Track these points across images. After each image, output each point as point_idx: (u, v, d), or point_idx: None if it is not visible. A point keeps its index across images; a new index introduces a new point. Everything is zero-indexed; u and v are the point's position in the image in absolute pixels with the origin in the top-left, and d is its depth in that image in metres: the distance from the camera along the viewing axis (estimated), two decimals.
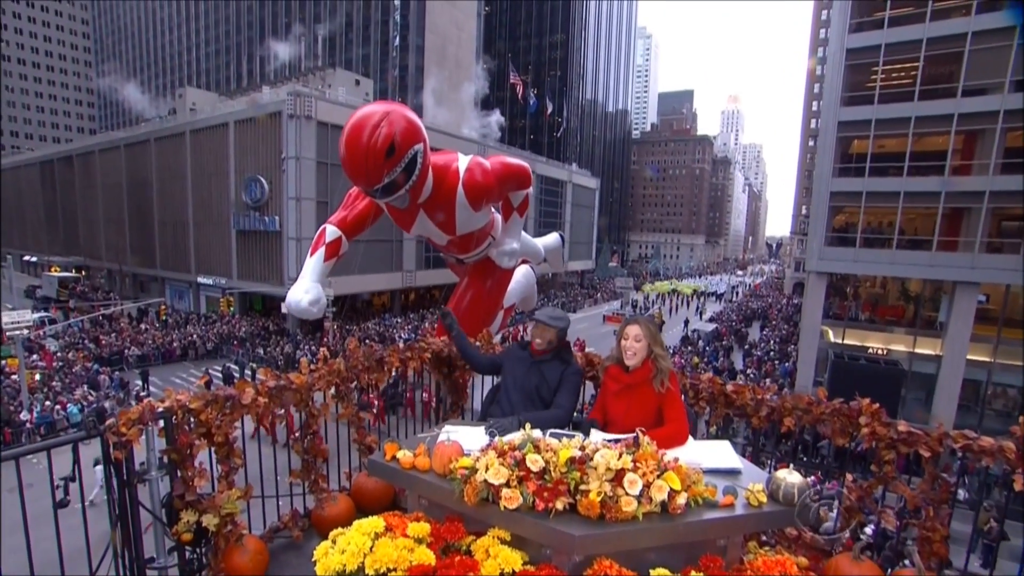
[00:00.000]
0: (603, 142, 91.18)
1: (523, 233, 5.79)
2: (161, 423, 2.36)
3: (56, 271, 43.08)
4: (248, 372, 23.29)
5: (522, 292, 6.76)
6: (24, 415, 16.06)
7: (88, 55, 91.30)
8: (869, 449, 2.80)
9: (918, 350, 19.34)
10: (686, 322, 37.25)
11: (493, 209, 5.30)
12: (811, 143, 56.14)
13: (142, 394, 18.59)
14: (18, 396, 17.52)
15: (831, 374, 17.80)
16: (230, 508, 2.43)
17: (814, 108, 56.28)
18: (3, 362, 20.69)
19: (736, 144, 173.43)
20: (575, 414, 2.88)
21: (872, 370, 17.20)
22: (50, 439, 2.40)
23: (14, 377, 18.86)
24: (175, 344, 26.46)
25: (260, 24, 61.00)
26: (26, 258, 52.41)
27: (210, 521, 2.35)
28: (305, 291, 4.19)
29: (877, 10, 18.80)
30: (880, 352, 20.02)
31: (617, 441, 2.00)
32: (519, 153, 49.37)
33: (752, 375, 23.39)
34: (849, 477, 2.93)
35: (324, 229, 4.50)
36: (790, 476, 1.97)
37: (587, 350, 3.61)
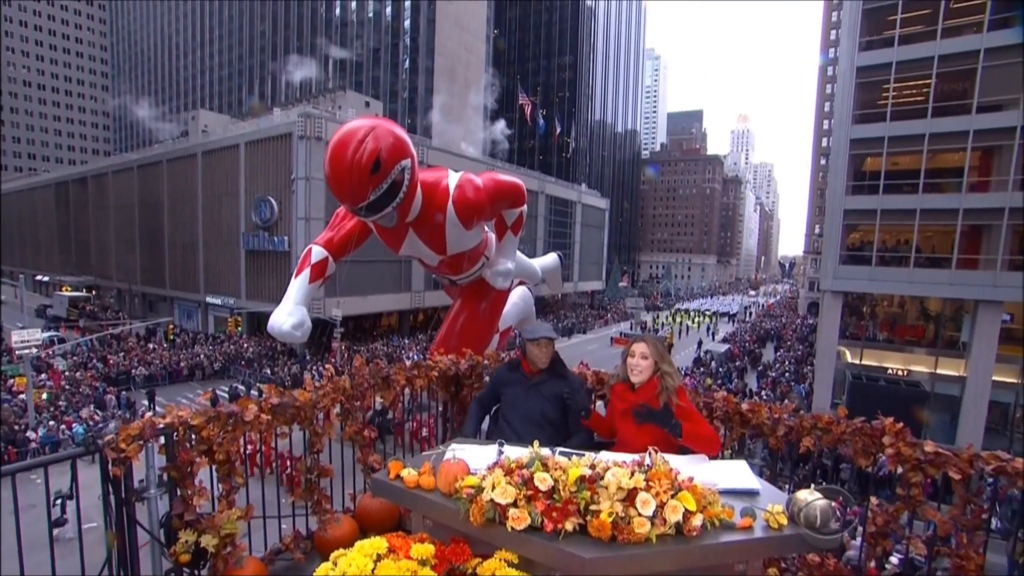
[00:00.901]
0: (613, 162, 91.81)
1: (518, 253, 5.61)
2: (162, 440, 2.32)
3: (67, 291, 43.66)
4: (255, 393, 23.38)
5: (519, 314, 6.53)
6: (30, 434, 16.10)
7: (105, 79, 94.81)
8: (893, 474, 2.68)
9: (940, 371, 18.80)
10: (699, 343, 36.76)
11: (487, 228, 5.12)
12: (823, 161, 55.95)
13: (148, 414, 18.60)
14: (25, 415, 17.60)
15: (849, 395, 17.36)
16: (230, 528, 2.36)
17: (825, 127, 56.31)
18: (11, 381, 20.88)
19: (747, 163, 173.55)
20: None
21: (893, 391, 16.74)
22: (45, 458, 2.35)
23: (22, 396, 18.97)
24: (182, 364, 26.56)
25: (272, 48, 62.87)
26: (38, 277, 53.41)
27: (209, 542, 2.28)
28: (288, 314, 4.02)
29: (887, 29, 18.88)
30: (900, 373, 19.50)
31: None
32: (528, 173, 49.88)
33: (767, 396, 22.89)
34: (874, 501, 2.79)
35: (310, 250, 4.37)
36: (812, 497, 1.87)
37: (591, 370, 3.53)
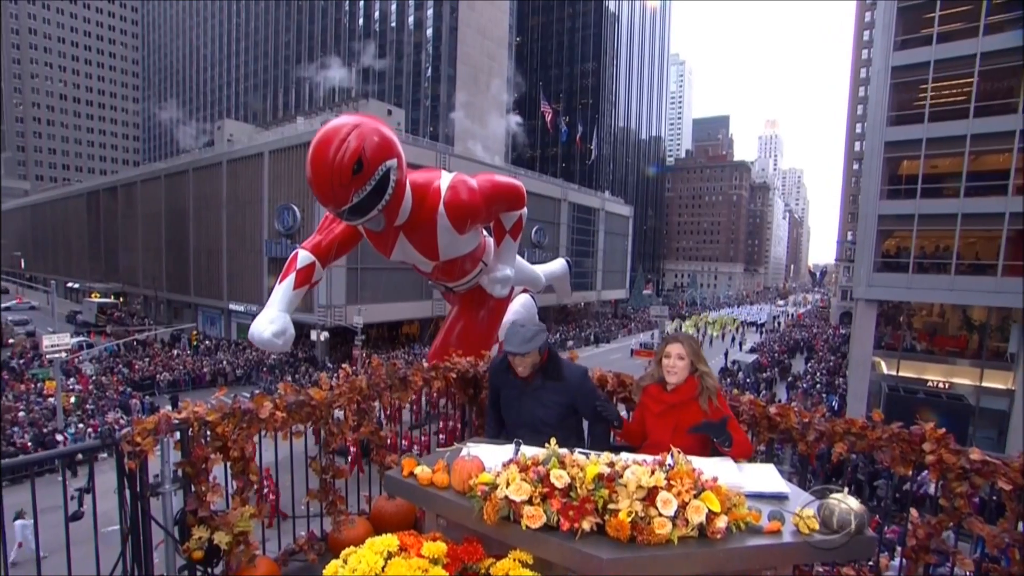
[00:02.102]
0: (637, 169, 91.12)
1: (520, 259, 5.32)
2: (177, 435, 2.33)
3: (96, 297, 44.96)
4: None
5: None
6: (58, 436, 16.54)
7: (136, 92, 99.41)
8: (934, 494, 2.51)
9: (986, 383, 17.87)
10: (726, 353, 35.92)
11: (485, 232, 4.89)
12: (856, 166, 54.35)
13: (163, 411, 18.92)
14: (54, 417, 18.12)
15: (886, 408, 16.65)
16: (243, 526, 2.35)
17: (858, 130, 54.73)
18: (42, 384, 21.65)
19: (775, 170, 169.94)
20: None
21: (933, 404, 16.03)
22: (61, 450, 2.40)
23: (51, 399, 19.50)
24: (205, 370, 27.04)
25: (296, 58, 64.49)
26: (69, 284, 55.15)
27: (222, 539, 2.27)
28: (270, 321, 3.80)
29: (924, 27, 18.25)
30: (941, 385, 18.62)
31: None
32: (551, 180, 49.87)
33: (797, 408, 22.13)
34: (914, 513, 2.62)
35: (296, 254, 4.15)
36: (846, 500, 1.76)
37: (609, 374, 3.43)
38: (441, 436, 4.00)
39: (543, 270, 6.53)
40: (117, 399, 21.48)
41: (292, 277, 4.01)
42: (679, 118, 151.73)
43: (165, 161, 53.88)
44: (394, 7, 56.13)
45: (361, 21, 58.48)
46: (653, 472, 1.66)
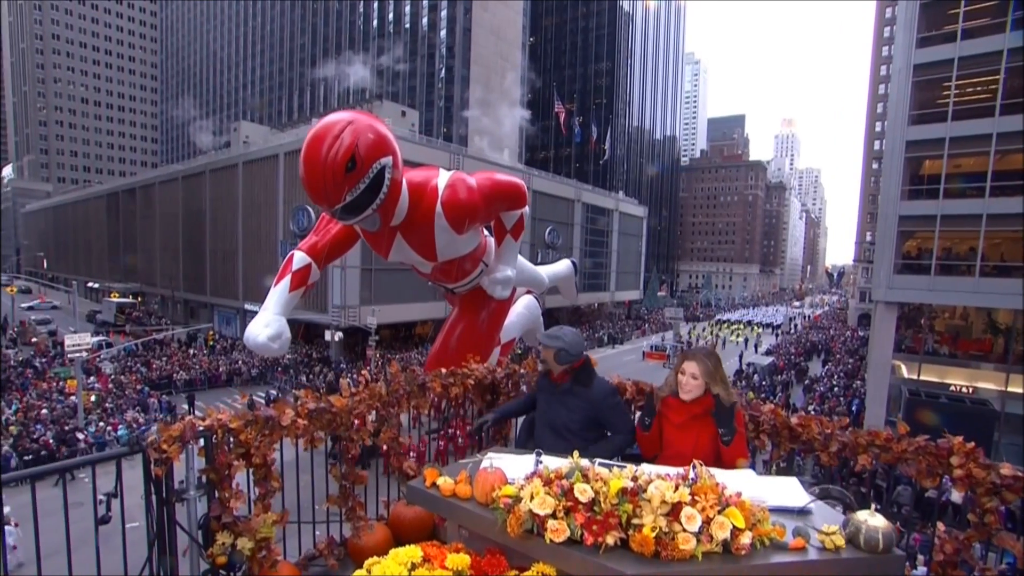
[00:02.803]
0: (658, 167, 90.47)
1: (522, 259, 5.20)
2: (201, 442, 2.37)
3: (115, 297, 45.52)
4: (291, 399, 24.00)
5: (524, 325, 6.00)
6: (79, 435, 16.85)
7: (154, 94, 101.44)
8: (961, 505, 2.46)
9: (1012, 388, 17.42)
10: (740, 356, 35.51)
11: (486, 232, 4.77)
12: (875, 166, 53.34)
13: (188, 418, 19.20)
14: (75, 416, 18.47)
15: (906, 413, 16.28)
16: (266, 532, 2.40)
17: (877, 129, 53.71)
18: (64, 383, 22.13)
19: (792, 169, 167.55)
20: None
21: (956, 409, 15.62)
22: (94, 456, 2.43)
23: (72, 398, 19.86)
24: (221, 369, 27.34)
25: (311, 60, 65.10)
26: (89, 284, 56.16)
27: (244, 545, 2.32)
28: (265, 325, 3.67)
29: (948, 23, 17.84)
30: (965, 390, 18.20)
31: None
32: (564, 181, 49.73)
33: (815, 411, 21.82)
34: (941, 527, 2.57)
35: (292, 256, 4.04)
36: (872, 519, 1.74)
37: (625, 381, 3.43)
38: (460, 440, 4.03)
39: (547, 271, 6.38)
40: (136, 398, 21.90)
41: (288, 279, 3.91)
42: (694, 118, 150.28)
43: (182, 163, 54.71)
44: (408, 8, 56.46)
45: (375, 23, 58.93)
46: (677, 487, 1.66)
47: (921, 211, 18.51)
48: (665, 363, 29.54)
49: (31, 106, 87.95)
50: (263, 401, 22.24)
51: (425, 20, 55.45)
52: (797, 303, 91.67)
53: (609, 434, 2.68)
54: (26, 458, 15.64)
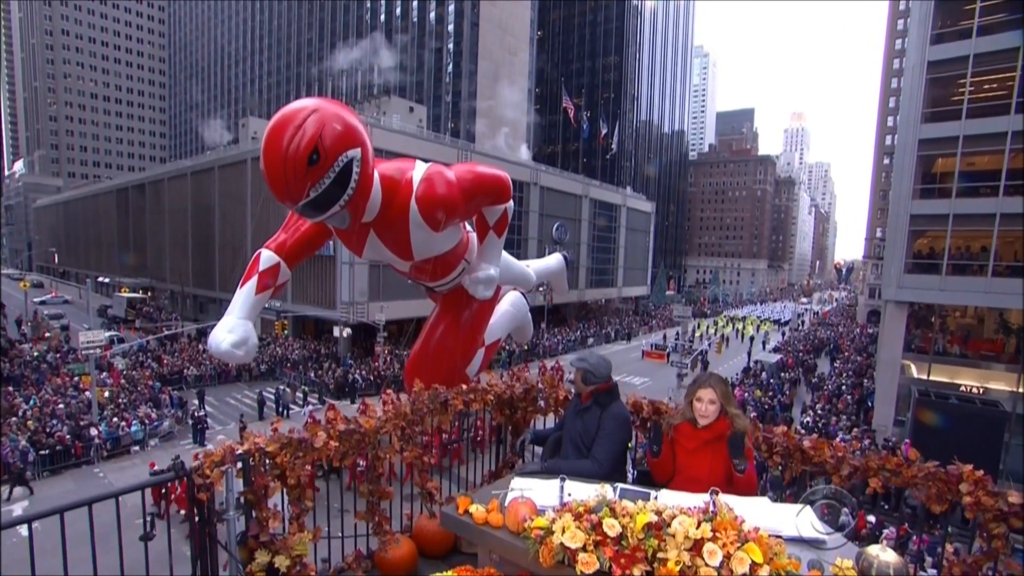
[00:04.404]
0: (659, 164, 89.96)
1: (507, 256, 4.91)
2: (239, 464, 2.48)
3: (125, 292, 45.99)
4: (299, 395, 24.19)
5: (510, 325, 5.64)
6: (93, 431, 17.17)
7: (163, 89, 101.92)
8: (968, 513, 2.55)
9: None
10: (748, 353, 35.42)
11: (468, 227, 4.52)
12: (886, 160, 52.74)
13: (199, 413, 19.38)
14: (89, 412, 18.81)
15: (915, 413, 16.27)
16: (300, 550, 2.53)
17: (889, 123, 53.06)
18: (79, 378, 22.54)
19: (801, 163, 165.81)
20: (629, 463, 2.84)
21: (965, 411, 15.56)
22: (144, 480, 2.54)
23: (87, 394, 20.18)
24: (231, 365, 27.08)
25: (318, 55, 65.03)
26: (99, 279, 56.61)
27: (282, 562, 2.45)
28: (229, 330, 3.37)
29: (964, 19, 17.61)
30: (975, 391, 18.13)
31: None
32: (572, 177, 49.60)
33: (821, 410, 21.81)
34: (950, 548, 2.67)
35: (259, 254, 3.74)
36: (884, 554, 1.84)
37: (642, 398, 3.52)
38: (480, 452, 4.14)
39: (536, 266, 5.92)
40: (147, 393, 22.19)
41: (254, 280, 3.61)
42: (702, 111, 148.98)
43: (191, 158, 54.92)
44: (415, 3, 56.26)
45: (383, 17, 58.78)
46: (699, 524, 1.76)
47: (933, 210, 18.39)
48: (678, 367, 29.30)
49: (42, 102, 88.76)
50: (272, 397, 22.53)
51: (432, 15, 55.25)
52: (805, 299, 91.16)
53: (590, 453, 2.78)
54: (42, 452, 16.03)
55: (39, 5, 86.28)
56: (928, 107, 18.36)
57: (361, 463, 3.13)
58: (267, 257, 3.69)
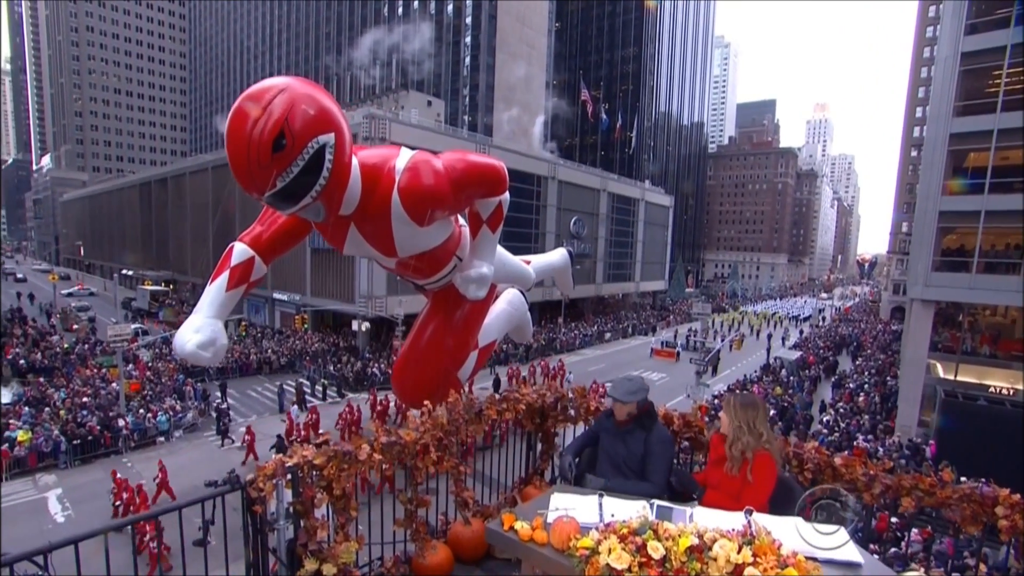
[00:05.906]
0: (677, 157, 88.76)
1: (504, 252, 4.49)
2: (289, 476, 2.60)
3: (148, 285, 46.93)
4: (319, 388, 24.51)
5: (507, 324, 5.25)
6: (120, 422, 17.74)
7: (184, 84, 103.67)
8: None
9: None
10: (767, 349, 34.99)
11: (461, 221, 4.14)
12: (914, 153, 51.29)
13: (221, 406, 19.84)
14: (117, 403, 19.45)
15: (941, 414, 15.97)
16: (346, 558, 2.66)
17: (918, 114, 51.52)
18: (107, 371, 23.19)
19: (824, 155, 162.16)
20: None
21: (995, 412, 15.23)
22: (203, 495, 2.67)
23: (114, 385, 20.88)
24: (252, 358, 28.04)
25: (337, 49, 65.36)
26: (123, 272, 57.73)
27: (329, 570, 2.59)
28: (195, 330, 3.11)
29: (1000, 7, 16.98)
30: (1006, 392, 17.70)
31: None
32: (590, 170, 49.27)
33: (843, 410, 21.51)
34: (983, 568, 2.68)
35: (231, 248, 3.45)
36: None
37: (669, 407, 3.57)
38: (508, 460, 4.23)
39: (536, 262, 5.42)
40: (172, 385, 22.80)
41: (225, 276, 3.33)
42: (723, 103, 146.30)
43: (212, 153, 55.74)
44: None
45: (401, 10, 58.82)
46: (740, 549, 1.83)
47: (964, 207, 17.88)
48: (696, 364, 28.97)
49: (67, 97, 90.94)
50: (292, 390, 22.74)
51: (450, 7, 55.10)
52: (826, 294, 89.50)
53: (647, 477, 2.85)
54: (74, 442, 16.66)
55: (65, 3, 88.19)
56: (961, 100, 17.80)
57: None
58: (240, 251, 3.42)
